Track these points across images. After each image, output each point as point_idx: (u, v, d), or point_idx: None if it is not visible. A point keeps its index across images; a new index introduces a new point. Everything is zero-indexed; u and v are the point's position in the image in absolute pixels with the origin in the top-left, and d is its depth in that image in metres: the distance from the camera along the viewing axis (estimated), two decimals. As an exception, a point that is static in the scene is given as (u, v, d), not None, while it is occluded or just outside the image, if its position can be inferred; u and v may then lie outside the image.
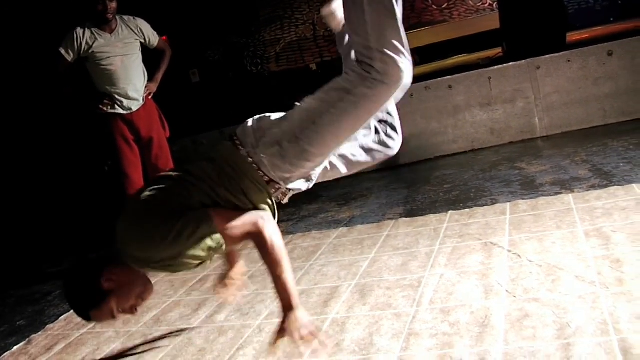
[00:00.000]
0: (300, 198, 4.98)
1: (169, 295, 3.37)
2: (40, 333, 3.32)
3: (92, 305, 2.05)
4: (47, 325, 3.41)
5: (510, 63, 4.90)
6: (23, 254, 5.61)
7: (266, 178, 2.04)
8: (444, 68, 6.16)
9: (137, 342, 2.82)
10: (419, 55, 8.55)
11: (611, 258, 2.32)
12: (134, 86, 4.12)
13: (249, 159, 2.02)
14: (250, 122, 2.12)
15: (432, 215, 3.49)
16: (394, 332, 2.19)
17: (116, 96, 4.07)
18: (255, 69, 10.17)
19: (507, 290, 2.26)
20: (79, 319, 3.29)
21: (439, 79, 5.09)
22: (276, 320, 2.47)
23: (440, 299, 2.35)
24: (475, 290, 2.34)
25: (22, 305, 3.99)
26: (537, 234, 2.77)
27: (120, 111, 4.10)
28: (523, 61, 4.84)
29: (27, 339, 3.27)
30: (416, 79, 5.29)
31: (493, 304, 2.19)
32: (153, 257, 1.98)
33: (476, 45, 7.28)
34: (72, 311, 3.46)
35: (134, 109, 4.13)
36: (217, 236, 1.96)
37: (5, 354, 3.13)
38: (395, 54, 1.84)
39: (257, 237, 2.00)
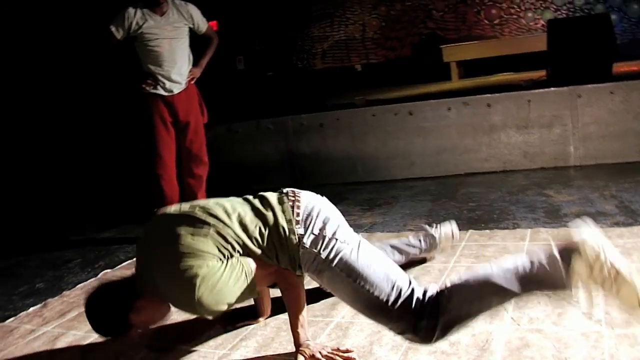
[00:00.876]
0: (326, 197, 5.04)
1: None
2: (56, 298, 3.42)
3: (117, 334, 2.15)
4: (64, 292, 3.51)
5: (552, 88, 4.85)
6: (51, 220, 5.75)
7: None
8: (486, 85, 6.14)
9: (148, 319, 2.88)
10: (464, 68, 8.55)
11: (622, 299, 2.31)
12: (178, 69, 4.19)
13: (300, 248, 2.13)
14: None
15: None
16: (394, 344, 2.21)
17: (160, 77, 4.15)
18: (301, 63, 10.24)
19: (512, 317, 2.27)
20: (95, 290, 3.41)
21: (478, 96, 5.07)
22: (282, 317, 2.53)
23: (446, 318, 2.36)
24: (482, 319, 2.34)
25: (43, 269, 4.11)
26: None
27: (162, 92, 4.17)
28: (565, 88, 4.80)
29: (44, 302, 3.37)
30: (456, 93, 5.28)
31: (495, 329, 2.20)
32: (185, 302, 2.05)
33: (523, 64, 7.24)
34: (88, 281, 3.59)
35: (175, 91, 4.20)
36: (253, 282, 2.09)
37: (22, 313, 3.24)
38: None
39: (280, 273, 2.16)
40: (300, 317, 2.18)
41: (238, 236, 2.08)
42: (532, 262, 1.93)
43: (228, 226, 2.08)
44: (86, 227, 5.18)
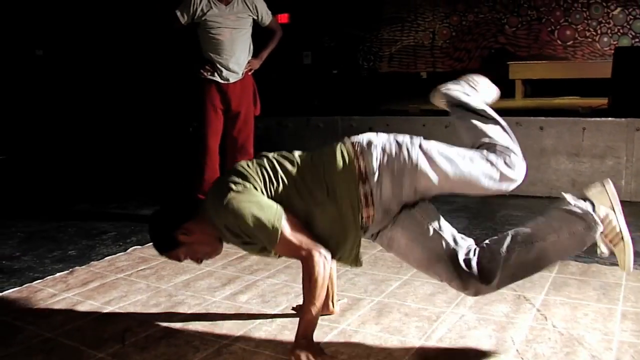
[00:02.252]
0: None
1: (206, 264, 3.44)
2: (84, 267, 3.52)
3: (165, 249, 2.35)
4: (92, 262, 3.61)
5: (610, 118, 4.69)
6: (97, 192, 5.90)
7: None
8: (547, 106, 5.99)
9: (161, 299, 2.94)
10: (530, 87, 8.36)
11: (637, 348, 2.21)
12: (236, 59, 4.24)
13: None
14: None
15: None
16: (390, 357, 2.18)
17: (218, 65, 4.21)
18: (367, 64, 10.20)
19: (517, 350, 2.20)
20: (121, 264, 3.50)
21: (531, 117, 4.95)
22: (290, 315, 2.53)
23: (450, 340, 2.31)
24: (487, 341, 2.29)
25: (78, 237, 4.23)
26: (575, 301, 2.67)
27: (218, 79, 4.24)
28: (623, 119, 4.63)
29: (71, 269, 3.46)
30: (515, 112, 5.16)
31: (498, 360, 2.14)
32: (219, 223, 2.18)
33: (591, 90, 7.03)
34: (117, 255, 3.68)
35: (232, 81, 4.26)
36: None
37: (48, 277, 3.35)
38: None
39: (307, 262, 2.13)
40: (309, 313, 2.13)
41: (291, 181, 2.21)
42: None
43: (290, 170, 2.24)
44: (129, 202, 5.29)
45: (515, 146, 2.34)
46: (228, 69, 4.23)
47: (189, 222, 2.27)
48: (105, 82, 7.14)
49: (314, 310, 2.12)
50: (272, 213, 2.10)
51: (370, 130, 5.50)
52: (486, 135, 2.31)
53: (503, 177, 2.28)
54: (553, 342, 2.25)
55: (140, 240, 4.07)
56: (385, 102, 7.18)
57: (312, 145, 5.79)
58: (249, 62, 4.33)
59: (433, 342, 2.30)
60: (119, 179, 6.43)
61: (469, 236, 2.30)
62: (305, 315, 2.14)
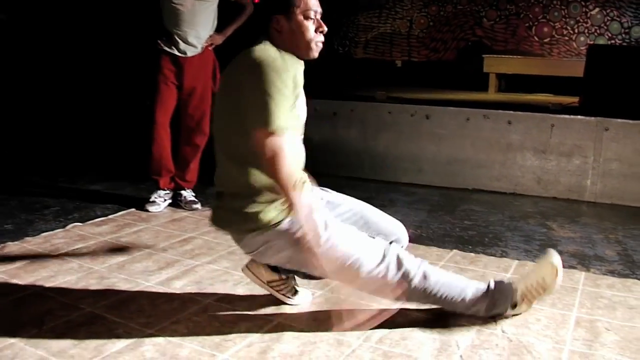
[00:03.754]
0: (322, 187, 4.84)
1: (147, 245, 3.27)
2: (16, 242, 3.31)
3: None
4: (26, 238, 3.39)
5: (579, 116, 4.56)
6: (47, 166, 5.64)
7: None
8: (518, 102, 5.87)
9: (91, 281, 2.75)
10: (505, 82, 8.25)
11: (589, 359, 2.07)
12: (196, 32, 4.00)
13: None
14: None
15: (434, 248, 3.27)
16: (326, 358, 2.01)
17: (176, 37, 3.97)
18: (342, 49, 9.99)
19: (461, 356, 2.05)
20: (57, 241, 3.29)
21: (500, 110, 4.80)
22: (224, 308, 2.36)
23: (390, 341, 2.15)
24: (429, 344, 2.13)
25: (19, 210, 4.00)
26: (528, 304, 2.53)
27: (175, 52, 4.00)
28: (593, 118, 4.51)
29: (2, 245, 3.24)
30: (482, 104, 5.01)
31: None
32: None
33: (567, 88, 6.92)
34: (54, 231, 3.46)
35: (189, 54, 4.01)
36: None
37: (-24, 253, 3.12)
38: None
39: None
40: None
41: None
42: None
43: None
44: (80, 177, 5.05)
45: None
46: (186, 42, 3.99)
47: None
48: (68, 51, 6.82)
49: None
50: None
51: (334, 115, 5.37)
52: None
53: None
54: (500, 349, 2.10)
55: (82, 216, 3.85)
56: (356, 88, 7.00)
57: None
58: (210, 37, 4.10)
59: (372, 343, 2.14)
60: (74, 152, 6.16)
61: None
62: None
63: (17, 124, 6.41)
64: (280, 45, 2.15)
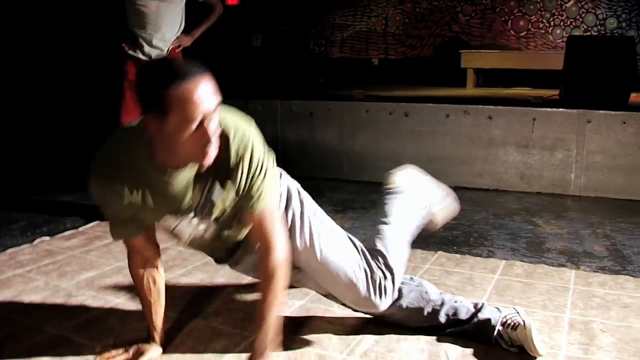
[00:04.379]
0: (320, 192, 4.70)
1: (118, 259, 3.11)
2: (-21, 261, 3.12)
3: None
4: None
5: (561, 109, 4.47)
6: (20, 178, 5.45)
7: None
8: (497, 96, 5.78)
9: (58, 300, 2.59)
10: (483, 77, 8.18)
11: (585, 363, 1.96)
12: (161, 35, 3.85)
13: None
14: None
15: (418, 251, 3.14)
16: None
17: (140, 40, 3.82)
18: (318, 49, 9.88)
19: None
20: (24, 257, 3.12)
21: (479, 105, 4.70)
22: (202, 322, 2.22)
23: (376, 354, 2.02)
24: (417, 355, 2.00)
25: (-16, 226, 3.82)
26: (518, 307, 2.40)
27: (140, 56, 3.85)
28: (574, 110, 4.42)
29: (-37, 264, 3.07)
30: (461, 100, 4.91)
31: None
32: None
33: (545, 82, 6.87)
34: (21, 247, 3.29)
35: (154, 57, 3.86)
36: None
37: (-63, 274, 2.93)
38: None
39: (274, 251, 1.82)
40: (274, 319, 1.81)
41: None
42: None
43: None
44: (52, 188, 4.87)
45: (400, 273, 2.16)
46: (151, 45, 3.83)
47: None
48: (29, 57, 6.58)
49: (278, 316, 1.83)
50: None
51: (311, 115, 5.24)
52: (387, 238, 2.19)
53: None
54: (493, 358, 1.98)
55: (51, 230, 3.68)
56: (333, 87, 6.88)
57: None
58: (177, 39, 3.95)
59: (356, 357, 2.00)
60: (44, 162, 5.96)
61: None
62: (269, 325, 1.79)
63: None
64: (153, 142, 1.65)
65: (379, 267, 2.07)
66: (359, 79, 8.57)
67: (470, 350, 2.03)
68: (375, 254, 2.11)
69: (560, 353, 2.02)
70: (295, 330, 2.19)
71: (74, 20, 6.03)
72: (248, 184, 1.75)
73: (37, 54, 6.45)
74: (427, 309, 2.10)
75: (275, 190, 1.84)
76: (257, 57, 8.80)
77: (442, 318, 2.10)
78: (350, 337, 2.14)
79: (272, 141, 5.30)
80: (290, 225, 1.98)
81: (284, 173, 2.08)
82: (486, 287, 2.63)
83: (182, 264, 3.01)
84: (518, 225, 3.68)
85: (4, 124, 6.35)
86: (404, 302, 2.11)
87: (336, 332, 2.18)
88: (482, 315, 2.07)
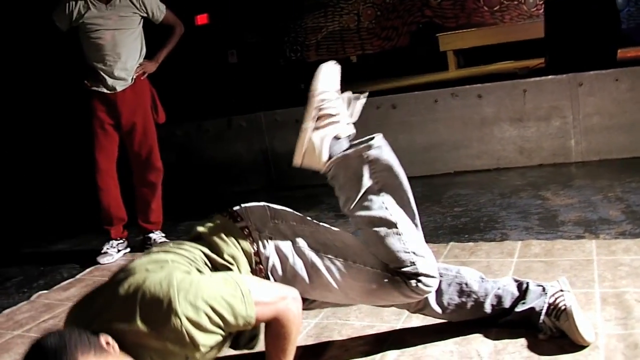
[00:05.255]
0: (301, 201, 4.56)
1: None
2: (-25, 327, 2.97)
3: None
4: None
5: (550, 76, 4.34)
6: (10, 230, 5.30)
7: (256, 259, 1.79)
8: (483, 74, 5.65)
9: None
10: (463, 58, 8.06)
11: (628, 341, 1.81)
12: (122, 64, 3.68)
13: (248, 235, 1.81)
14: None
15: (429, 245, 2.97)
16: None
17: (101, 73, 3.66)
18: (295, 55, 9.76)
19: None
20: (22, 316, 2.98)
21: (467, 86, 4.57)
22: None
23: (404, 365, 1.88)
24: (447, 359, 1.86)
25: (-22, 287, 3.67)
26: (562, 280, 2.26)
27: (104, 90, 3.69)
28: (564, 75, 4.29)
29: (-40, 334, 2.91)
30: (451, 83, 4.79)
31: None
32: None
33: (526, 53, 6.75)
34: (18, 305, 3.15)
35: (119, 89, 3.70)
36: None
37: None
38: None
39: (283, 313, 1.64)
40: None
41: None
42: None
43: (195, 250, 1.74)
44: (45, 237, 4.73)
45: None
46: (113, 77, 3.66)
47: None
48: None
49: None
50: (229, 279, 1.60)
51: (297, 122, 5.09)
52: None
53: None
54: (528, 351, 1.83)
55: (48, 282, 3.55)
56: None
57: (237, 148, 5.37)
58: (141, 65, 3.78)
59: (383, 372, 1.86)
60: (32, 213, 5.81)
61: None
62: None
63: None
64: None
65: (404, 256, 1.83)
66: (340, 79, 8.45)
67: (502, 346, 1.88)
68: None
69: (600, 332, 1.88)
70: (314, 353, 2.05)
71: (35, 64, 5.85)
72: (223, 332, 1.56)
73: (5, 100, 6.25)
74: (470, 303, 1.96)
75: (243, 299, 1.55)
76: (235, 72, 8.67)
77: (488, 309, 1.96)
78: (374, 349, 2.00)
79: (262, 154, 5.22)
80: (299, 281, 1.80)
81: (268, 227, 1.85)
82: (507, 273, 2.49)
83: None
84: (526, 202, 3.55)
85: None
86: (445, 299, 1.96)
87: (357, 349, 2.03)
88: (526, 304, 1.92)
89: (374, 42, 9.38)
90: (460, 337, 1.98)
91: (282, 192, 4.95)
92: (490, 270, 2.55)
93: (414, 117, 4.69)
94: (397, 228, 1.84)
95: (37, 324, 2.89)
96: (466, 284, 1.97)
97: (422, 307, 1.98)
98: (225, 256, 1.73)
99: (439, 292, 1.96)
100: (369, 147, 1.92)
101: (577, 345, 1.80)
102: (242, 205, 1.92)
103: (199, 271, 1.63)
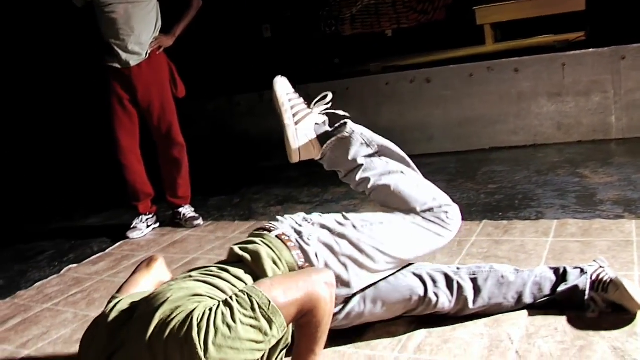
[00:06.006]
0: (332, 177, 4.50)
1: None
2: (7, 300, 3.04)
3: None
4: (18, 292, 3.14)
5: (591, 49, 4.18)
6: (42, 206, 5.36)
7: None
8: (520, 47, 5.48)
9: (87, 332, 2.43)
10: (501, 31, 7.84)
11: (669, 326, 1.73)
12: (136, 38, 3.61)
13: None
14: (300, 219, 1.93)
15: (462, 222, 2.92)
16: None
17: (115, 48, 3.60)
18: (329, 29, 9.63)
19: (517, 351, 1.71)
20: (51, 290, 3.00)
21: (504, 59, 4.43)
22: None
23: (431, 347, 1.82)
24: (477, 342, 1.80)
25: (12, 262, 3.75)
26: (600, 259, 2.17)
27: (117, 65, 3.64)
28: (606, 48, 4.12)
29: (-9, 306, 2.95)
30: (483, 57, 4.65)
31: (493, 370, 1.65)
32: None
33: (562, 26, 6.53)
34: (48, 279, 3.18)
35: (133, 64, 3.63)
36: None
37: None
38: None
39: (314, 307, 1.54)
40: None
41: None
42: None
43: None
44: (76, 212, 4.77)
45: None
46: (127, 51, 3.59)
47: None
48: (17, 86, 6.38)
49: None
50: (245, 301, 1.42)
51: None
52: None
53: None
54: (561, 334, 1.76)
55: (78, 256, 3.57)
56: (350, 66, 6.64)
57: (268, 123, 5.32)
58: (156, 40, 3.70)
59: (410, 354, 1.80)
60: (65, 188, 5.85)
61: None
62: None
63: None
64: None
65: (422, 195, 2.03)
66: (375, 54, 8.33)
67: (534, 329, 1.81)
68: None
69: (638, 318, 1.79)
70: (340, 332, 2.00)
71: (55, 42, 5.84)
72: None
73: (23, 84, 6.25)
74: (511, 295, 1.91)
75: (266, 313, 1.40)
76: (269, 47, 8.60)
77: (528, 299, 1.92)
78: (400, 330, 1.94)
79: (293, 130, 5.15)
80: (354, 259, 1.85)
81: (308, 227, 1.89)
82: (541, 253, 2.40)
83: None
84: (564, 180, 3.43)
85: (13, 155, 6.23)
86: (485, 296, 1.91)
87: (384, 329, 1.97)
88: (568, 283, 1.88)
89: (409, 15, 9.18)
90: (491, 320, 1.91)
91: (311, 167, 4.88)
92: (524, 250, 2.46)
93: (448, 91, 4.58)
94: (404, 174, 2.07)
95: (65, 297, 2.90)
96: (502, 277, 1.93)
97: (462, 308, 1.92)
98: (269, 272, 1.68)
99: (477, 290, 1.91)
100: (349, 125, 2.12)
101: (613, 329, 1.72)
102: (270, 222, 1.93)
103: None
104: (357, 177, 2.07)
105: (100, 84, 3.71)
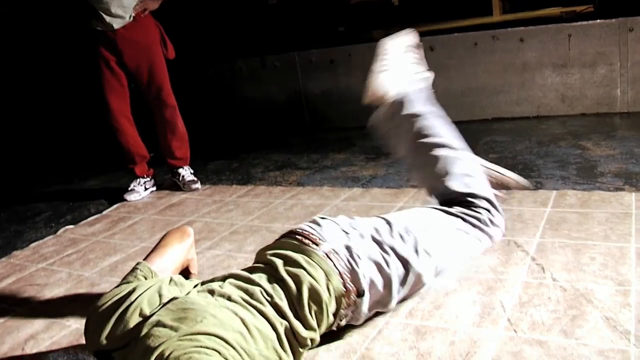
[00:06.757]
0: (334, 143, 4.48)
1: (142, 239, 2.97)
2: (3, 259, 3.03)
3: None
4: (14, 252, 3.14)
5: (598, 20, 4.11)
6: (40, 168, 5.34)
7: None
8: (528, 18, 5.40)
9: (81, 290, 2.46)
10: (509, 2, 7.73)
11: (662, 298, 1.71)
12: (118, 1, 3.51)
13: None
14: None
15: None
16: (347, 349, 1.68)
17: (100, 12, 3.53)
18: (335, -4, 9.52)
19: (508, 319, 1.70)
20: (47, 250, 3.00)
21: (509, 29, 4.36)
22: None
23: (422, 313, 1.81)
24: (469, 309, 1.78)
25: (9, 222, 3.75)
26: (577, 241, 2.16)
27: (100, 28, 3.57)
28: (613, 20, 4.05)
29: (-13, 265, 2.95)
30: (490, 27, 4.58)
31: (484, 336, 1.63)
32: None
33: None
34: (44, 239, 3.17)
35: (116, 26, 3.55)
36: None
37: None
38: None
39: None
40: None
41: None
42: None
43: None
44: (75, 175, 4.75)
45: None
46: (110, 14, 3.52)
47: None
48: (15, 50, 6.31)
49: None
50: None
51: (332, 63, 4.98)
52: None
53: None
54: (554, 303, 1.74)
55: (75, 218, 3.57)
56: (355, 34, 6.56)
57: (271, 88, 5.27)
58: (141, 2, 3.62)
59: (401, 319, 1.79)
60: (65, 150, 5.82)
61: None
62: None
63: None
64: None
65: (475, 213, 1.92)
66: (381, 22, 8.22)
67: (527, 298, 1.80)
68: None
69: (632, 290, 1.77)
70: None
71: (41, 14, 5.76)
72: None
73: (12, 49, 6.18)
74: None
75: None
76: (274, 14, 8.49)
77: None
78: (392, 296, 1.93)
79: (295, 96, 5.12)
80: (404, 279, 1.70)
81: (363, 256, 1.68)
82: (538, 223, 2.38)
83: (209, 235, 2.85)
84: (565, 151, 3.40)
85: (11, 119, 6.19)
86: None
87: (376, 294, 1.96)
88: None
89: (417, -17, 9.08)
90: (484, 287, 1.90)
91: (315, 134, 4.86)
92: (521, 219, 2.44)
93: (452, 60, 4.52)
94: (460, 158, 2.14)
95: (60, 257, 2.90)
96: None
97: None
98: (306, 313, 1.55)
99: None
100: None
101: (607, 301, 1.71)
102: (308, 224, 1.77)
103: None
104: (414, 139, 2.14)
105: (90, 48, 3.66)
